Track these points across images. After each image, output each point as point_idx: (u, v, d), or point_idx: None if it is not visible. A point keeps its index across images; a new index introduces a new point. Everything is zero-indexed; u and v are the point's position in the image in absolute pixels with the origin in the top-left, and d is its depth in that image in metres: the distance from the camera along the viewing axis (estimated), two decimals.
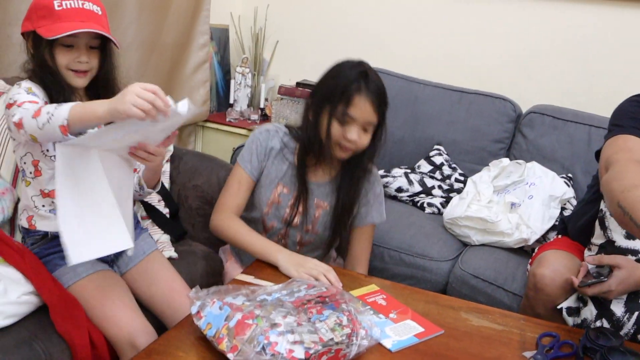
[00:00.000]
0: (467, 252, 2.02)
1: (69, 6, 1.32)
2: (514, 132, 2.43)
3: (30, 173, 1.39)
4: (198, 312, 1.11)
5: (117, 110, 1.11)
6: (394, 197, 2.35)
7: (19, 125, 1.21)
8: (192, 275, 1.61)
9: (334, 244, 1.66)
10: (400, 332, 1.23)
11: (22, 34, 1.38)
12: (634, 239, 1.43)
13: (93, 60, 1.38)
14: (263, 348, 0.99)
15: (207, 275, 1.69)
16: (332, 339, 1.04)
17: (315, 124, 1.49)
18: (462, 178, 2.33)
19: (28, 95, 1.30)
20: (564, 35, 2.50)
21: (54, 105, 1.20)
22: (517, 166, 2.20)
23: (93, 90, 1.43)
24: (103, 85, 1.43)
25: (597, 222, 1.51)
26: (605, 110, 2.35)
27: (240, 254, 1.74)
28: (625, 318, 1.36)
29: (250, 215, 1.64)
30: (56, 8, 1.31)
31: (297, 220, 1.60)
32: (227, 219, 1.55)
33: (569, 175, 2.22)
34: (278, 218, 1.61)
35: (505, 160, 2.25)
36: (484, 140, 2.43)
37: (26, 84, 1.34)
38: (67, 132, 1.16)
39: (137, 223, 1.60)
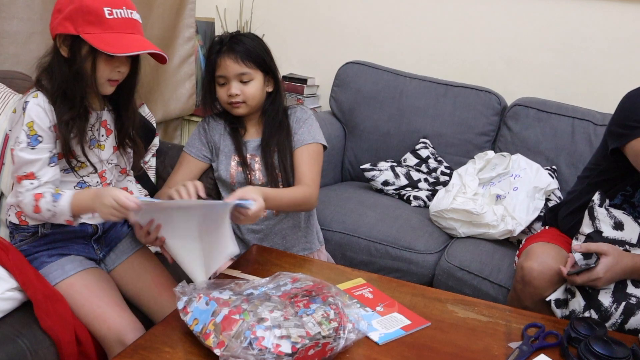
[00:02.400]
0: (453, 244, 2.04)
1: (119, 15, 1.27)
2: (499, 125, 2.45)
3: None
4: (184, 307, 1.11)
5: (101, 195, 1.24)
6: (380, 191, 2.36)
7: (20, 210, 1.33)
8: (178, 269, 1.60)
9: (283, 181, 1.69)
10: (387, 325, 1.24)
11: (56, 34, 1.30)
12: (621, 229, 1.45)
13: (127, 69, 1.37)
14: (250, 343, 0.99)
15: None
16: (319, 333, 1.04)
17: (210, 98, 1.71)
18: (447, 171, 2.34)
19: (27, 154, 1.28)
20: (549, 29, 2.52)
21: (49, 199, 1.27)
22: (502, 158, 2.21)
23: (113, 97, 1.42)
24: (126, 93, 1.43)
25: (586, 212, 1.52)
26: (589, 102, 2.39)
27: None
28: (612, 308, 1.37)
29: (224, 188, 1.76)
30: (107, 16, 1.25)
31: (261, 178, 1.70)
32: (160, 192, 1.69)
33: (553, 167, 2.24)
34: (244, 183, 1.69)
35: (491, 153, 2.26)
36: (469, 133, 2.44)
37: (31, 111, 1.28)
38: (74, 222, 1.31)
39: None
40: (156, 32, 2.46)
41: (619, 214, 1.49)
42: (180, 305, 1.12)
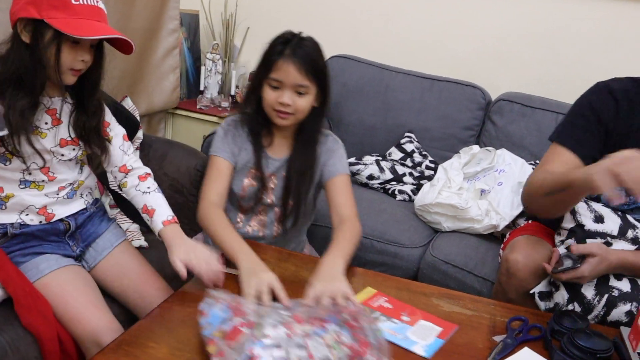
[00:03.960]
0: (438, 238, 2.04)
1: (85, 2, 1.24)
2: (483, 120, 2.46)
3: None
4: (203, 310, 1.06)
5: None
6: (365, 185, 2.36)
7: None
8: (162, 264, 1.59)
9: (293, 210, 1.62)
10: (422, 335, 1.21)
11: (17, 19, 1.24)
12: (602, 222, 1.46)
13: (90, 59, 1.32)
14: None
15: None
16: (327, 357, 0.94)
17: (252, 96, 1.56)
18: (432, 165, 2.35)
19: None
20: (533, 24, 2.53)
21: None
22: (487, 153, 2.22)
23: (75, 88, 1.37)
24: (90, 84, 1.37)
25: None
26: (573, 97, 2.37)
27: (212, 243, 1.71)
28: (595, 301, 1.39)
29: (232, 200, 1.64)
30: (73, 2, 1.22)
31: (271, 197, 1.61)
32: (207, 209, 1.51)
33: (537, 161, 2.25)
34: (254, 199, 1.62)
35: (476, 147, 2.27)
36: (454, 127, 2.45)
37: None
38: None
39: (104, 214, 1.57)
40: (140, 24, 2.43)
41: (598, 207, 1.50)
42: (201, 307, 1.07)
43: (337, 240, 1.45)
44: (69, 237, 1.45)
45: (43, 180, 1.37)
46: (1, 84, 1.25)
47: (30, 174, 1.35)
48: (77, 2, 1.23)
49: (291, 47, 1.48)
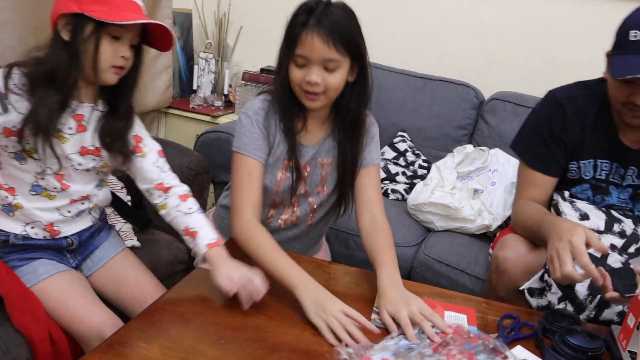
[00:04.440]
0: (431, 237, 2.05)
1: None
2: (476, 119, 2.47)
3: None
4: None
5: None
6: None
7: None
8: (155, 265, 1.59)
9: (342, 200, 1.53)
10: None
11: (58, 16, 1.21)
12: (588, 219, 1.48)
13: (131, 59, 1.28)
14: None
15: (170, 264, 1.67)
16: None
17: (280, 75, 1.36)
18: (425, 164, 2.36)
19: None
20: (526, 23, 2.54)
21: None
22: (480, 153, 2.23)
23: (107, 88, 1.32)
24: (125, 86, 1.32)
25: (552, 209, 1.54)
26: None
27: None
28: (587, 301, 1.39)
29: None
30: None
31: (304, 187, 1.48)
32: (247, 229, 1.35)
33: None
34: (288, 192, 1.47)
35: (469, 147, 2.28)
36: (447, 126, 2.45)
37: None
38: None
39: (105, 223, 1.54)
40: None
41: (582, 205, 1.51)
42: None
43: (384, 250, 1.36)
44: (68, 251, 1.43)
45: (55, 188, 1.33)
46: (33, 81, 1.21)
47: (43, 178, 1.31)
48: None
49: (316, 16, 1.29)
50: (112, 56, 1.23)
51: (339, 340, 1.12)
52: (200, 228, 1.34)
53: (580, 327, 1.21)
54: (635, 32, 1.33)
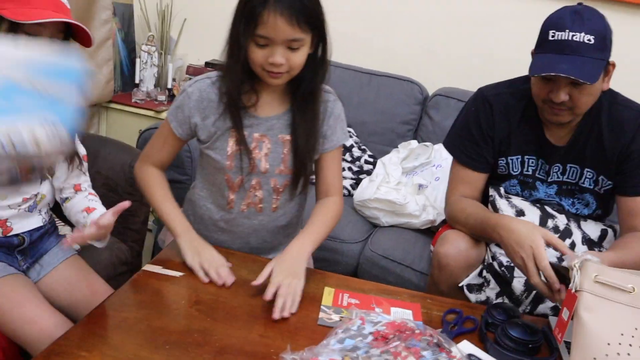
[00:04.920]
0: (377, 233, 2.07)
1: None
2: (420, 114, 2.50)
3: None
4: None
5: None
6: None
7: None
8: (96, 267, 1.54)
9: (299, 182, 1.46)
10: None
11: None
12: (524, 215, 1.53)
13: None
14: None
15: (112, 265, 1.63)
16: None
17: (235, 54, 1.30)
18: (371, 160, 2.37)
19: None
20: (468, 20, 2.58)
21: None
22: (424, 148, 2.26)
23: None
24: None
25: (489, 206, 1.58)
26: None
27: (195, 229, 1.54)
28: (523, 296, 1.44)
29: (216, 180, 1.46)
30: None
31: (264, 163, 1.41)
32: (146, 171, 1.47)
33: None
34: (244, 169, 1.41)
35: (414, 142, 2.31)
36: (392, 122, 2.47)
37: None
38: None
39: (55, 229, 1.52)
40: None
41: (517, 201, 1.56)
42: None
43: (313, 222, 1.43)
44: (19, 251, 1.39)
45: None
46: None
47: None
48: None
49: None
50: None
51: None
52: (98, 207, 1.44)
53: (520, 320, 1.25)
54: (554, 32, 1.39)
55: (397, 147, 2.35)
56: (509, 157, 1.58)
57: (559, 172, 1.56)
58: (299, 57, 1.28)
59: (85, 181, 1.50)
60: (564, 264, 1.43)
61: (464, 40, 2.60)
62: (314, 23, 1.27)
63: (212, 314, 1.19)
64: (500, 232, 1.36)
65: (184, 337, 1.10)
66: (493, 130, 1.57)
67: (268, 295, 1.22)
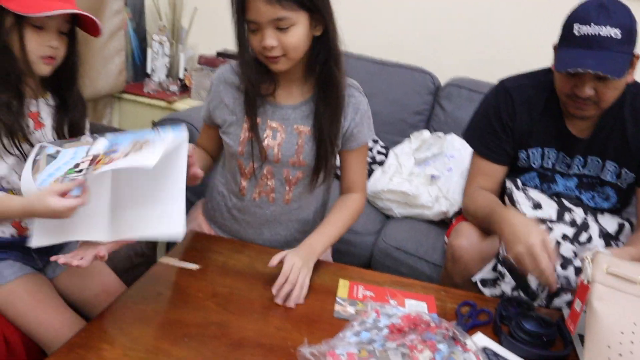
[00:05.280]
0: (389, 224, 2.07)
1: None
2: (433, 104, 2.49)
3: None
4: None
5: (33, 209, 1.05)
6: None
7: None
8: (113, 259, 1.55)
9: (319, 175, 1.45)
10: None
11: None
12: (540, 208, 1.52)
13: (62, 47, 1.24)
14: None
15: (129, 258, 1.64)
16: None
17: (241, 43, 1.32)
18: (384, 150, 2.37)
19: None
20: (480, 9, 2.56)
21: None
22: (437, 139, 2.25)
23: (52, 80, 1.29)
24: (67, 75, 1.30)
25: (506, 198, 1.58)
26: None
27: (211, 216, 1.58)
28: (539, 290, 1.44)
29: (230, 165, 1.47)
30: None
31: (277, 152, 1.40)
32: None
33: None
34: (256, 156, 1.41)
35: (426, 133, 2.30)
36: (404, 112, 2.47)
37: None
38: None
39: None
40: (81, 4, 2.33)
41: (535, 194, 1.56)
42: None
43: (329, 221, 1.45)
44: (35, 250, 1.35)
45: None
46: None
47: (8, 182, 1.26)
48: None
49: None
50: (37, 47, 1.19)
51: None
52: None
53: (534, 313, 1.26)
54: (579, 26, 1.37)
55: (409, 137, 2.35)
56: (530, 150, 1.58)
57: (580, 165, 1.56)
58: (292, 38, 1.26)
59: None
60: (561, 251, 1.45)
61: (476, 29, 2.58)
62: (301, 1, 1.24)
63: (229, 306, 1.21)
64: (501, 225, 1.36)
65: (202, 329, 1.12)
66: (514, 122, 1.56)
67: (274, 261, 1.26)
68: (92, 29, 1.28)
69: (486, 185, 1.60)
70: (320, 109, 1.37)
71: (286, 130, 1.40)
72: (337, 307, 1.26)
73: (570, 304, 1.42)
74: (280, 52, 1.27)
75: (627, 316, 1.07)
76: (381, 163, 2.30)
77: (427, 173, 2.11)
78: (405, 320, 1.17)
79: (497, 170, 1.61)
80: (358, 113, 1.43)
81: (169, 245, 1.74)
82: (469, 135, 1.68)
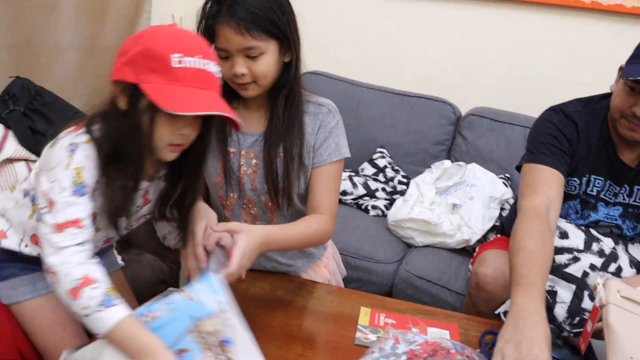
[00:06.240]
0: (411, 253, 2.07)
1: (191, 65, 1.01)
2: (454, 134, 2.50)
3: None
4: None
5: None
6: (339, 201, 2.37)
7: (51, 273, 1.01)
8: (137, 284, 1.57)
9: (277, 196, 1.38)
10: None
11: (115, 80, 1.05)
12: (567, 237, 1.50)
13: (194, 133, 1.09)
14: None
15: (152, 284, 1.66)
16: None
17: None
18: (405, 180, 2.38)
19: (71, 202, 1.02)
20: (501, 39, 2.58)
21: (98, 298, 0.98)
22: (458, 168, 2.26)
23: (175, 166, 1.16)
24: (194, 161, 1.15)
25: None
26: (540, 110, 2.45)
27: None
28: (566, 323, 1.41)
29: (213, 196, 1.43)
30: (173, 65, 0.99)
31: (254, 182, 1.37)
32: None
33: (507, 175, 2.29)
34: (234, 187, 1.38)
35: (447, 162, 2.31)
36: (425, 142, 2.48)
37: (80, 156, 1.03)
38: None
39: (109, 247, 1.44)
40: (110, 43, 2.41)
41: (562, 223, 1.53)
42: None
43: (286, 225, 1.32)
44: None
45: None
46: (104, 154, 1.06)
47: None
48: (181, 65, 1.00)
49: (226, 3, 1.23)
50: (168, 135, 1.05)
51: None
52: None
53: (560, 342, 1.23)
54: None
55: (430, 167, 2.36)
56: (583, 178, 1.53)
57: (625, 194, 1.53)
58: (261, 65, 1.26)
59: None
60: (588, 281, 1.42)
61: (496, 59, 2.60)
62: (270, 30, 1.25)
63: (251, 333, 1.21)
64: (516, 321, 1.12)
65: None
66: (577, 145, 1.50)
67: (210, 245, 1.15)
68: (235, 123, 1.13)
69: (552, 194, 1.42)
70: (272, 130, 1.34)
71: (259, 156, 1.37)
72: (358, 335, 1.25)
73: (596, 335, 1.40)
74: (250, 79, 1.27)
75: None
76: (402, 193, 2.30)
77: (449, 202, 2.10)
78: (424, 346, 1.16)
79: (560, 179, 1.45)
80: (323, 129, 1.39)
81: None
82: (525, 157, 1.53)
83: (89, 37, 2.29)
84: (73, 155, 1.03)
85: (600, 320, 1.11)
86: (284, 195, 1.36)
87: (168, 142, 1.06)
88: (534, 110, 2.41)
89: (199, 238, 1.17)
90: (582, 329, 1.39)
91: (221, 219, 1.39)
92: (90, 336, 1.33)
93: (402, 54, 2.75)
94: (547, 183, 1.43)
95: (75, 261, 1.00)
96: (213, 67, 1.05)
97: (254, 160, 1.37)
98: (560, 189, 1.44)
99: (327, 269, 1.60)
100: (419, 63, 2.72)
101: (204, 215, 1.21)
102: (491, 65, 2.61)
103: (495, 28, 2.58)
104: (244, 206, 1.42)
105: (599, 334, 1.16)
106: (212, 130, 1.14)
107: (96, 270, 1.01)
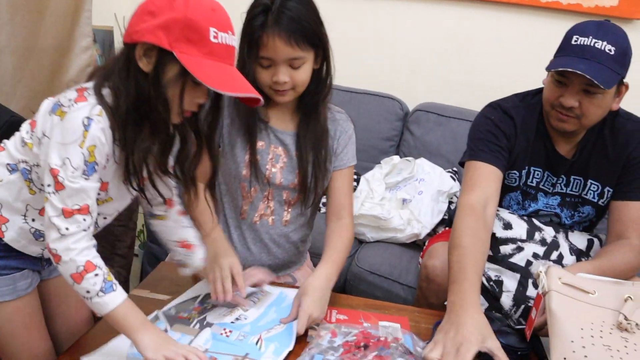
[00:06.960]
0: (363, 249, 2.08)
1: (223, 41, 1.04)
2: (402, 130, 2.53)
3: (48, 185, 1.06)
4: None
5: (144, 353, 1.04)
6: None
7: (53, 255, 1.03)
8: None
9: (306, 195, 1.46)
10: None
11: (137, 41, 1.03)
12: (511, 228, 1.54)
13: (206, 101, 1.14)
14: None
15: None
16: None
17: (247, 75, 1.26)
18: (355, 177, 2.39)
19: (81, 182, 1.02)
20: (445, 36, 2.63)
21: (98, 284, 1.02)
22: (407, 163, 2.28)
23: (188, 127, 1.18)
24: (204, 129, 1.19)
25: None
26: (482, 104, 2.51)
27: None
28: (512, 311, 1.45)
29: (232, 187, 1.47)
30: (211, 39, 1.02)
31: (279, 177, 1.44)
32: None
33: (454, 169, 2.34)
34: (259, 179, 1.43)
35: (396, 158, 2.33)
36: (374, 138, 2.50)
37: (94, 131, 1.01)
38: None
39: None
40: (50, 42, 2.34)
41: (505, 214, 1.57)
42: None
43: (334, 249, 1.42)
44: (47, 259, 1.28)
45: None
46: (120, 121, 1.04)
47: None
48: (216, 41, 1.03)
49: (273, 15, 1.26)
50: (188, 102, 1.08)
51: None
52: (195, 242, 1.32)
53: (509, 329, 1.26)
54: (577, 37, 1.40)
55: (379, 163, 2.38)
56: (523, 170, 1.58)
57: (562, 184, 1.58)
58: (302, 74, 1.33)
59: (174, 195, 1.32)
60: (532, 269, 1.47)
61: (442, 56, 2.64)
62: (313, 41, 1.32)
63: None
64: (450, 315, 1.20)
65: None
66: (514, 142, 1.54)
67: (302, 330, 1.22)
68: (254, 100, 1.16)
69: (489, 191, 1.46)
70: (302, 134, 1.43)
71: (288, 154, 1.44)
72: (310, 332, 1.25)
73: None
74: (290, 87, 1.33)
75: (583, 317, 1.11)
76: (353, 189, 2.32)
77: (399, 197, 2.13)
78: (359, 336, 1.18)
79: (498, 175, 1.50)
80: (344, 135, 1.49)
81: (142, 278, 1.71)
82: (466, 154, 1.57)
83: (26, 37, 2.21)
84: (87, 132, 1.01)
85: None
86: (312, 192, 1.45)
87: (186, 108, 1.09)
88: (479, 104, 2.44)
89: (227, 273, 1.29)
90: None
91: (238, 210, 1.48)
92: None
93: (350, 52, 2.76)
94: (485, 180, 1.48)
95: (78, 248, 1.03)
96: (235, 42, 1.09)
97: (282, 156, 1.44)
98: (498, 185, 1.49)
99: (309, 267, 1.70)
100: (366, 60, 2.74)
101: (231, 255, 1.34)
102: (437, 61, 2.65)
103: (439, 24, 2.63)
104: (264, 198, 1.47)
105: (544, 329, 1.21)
106: (223, 103, 1.21)
107: (96, 256, 1.05)
